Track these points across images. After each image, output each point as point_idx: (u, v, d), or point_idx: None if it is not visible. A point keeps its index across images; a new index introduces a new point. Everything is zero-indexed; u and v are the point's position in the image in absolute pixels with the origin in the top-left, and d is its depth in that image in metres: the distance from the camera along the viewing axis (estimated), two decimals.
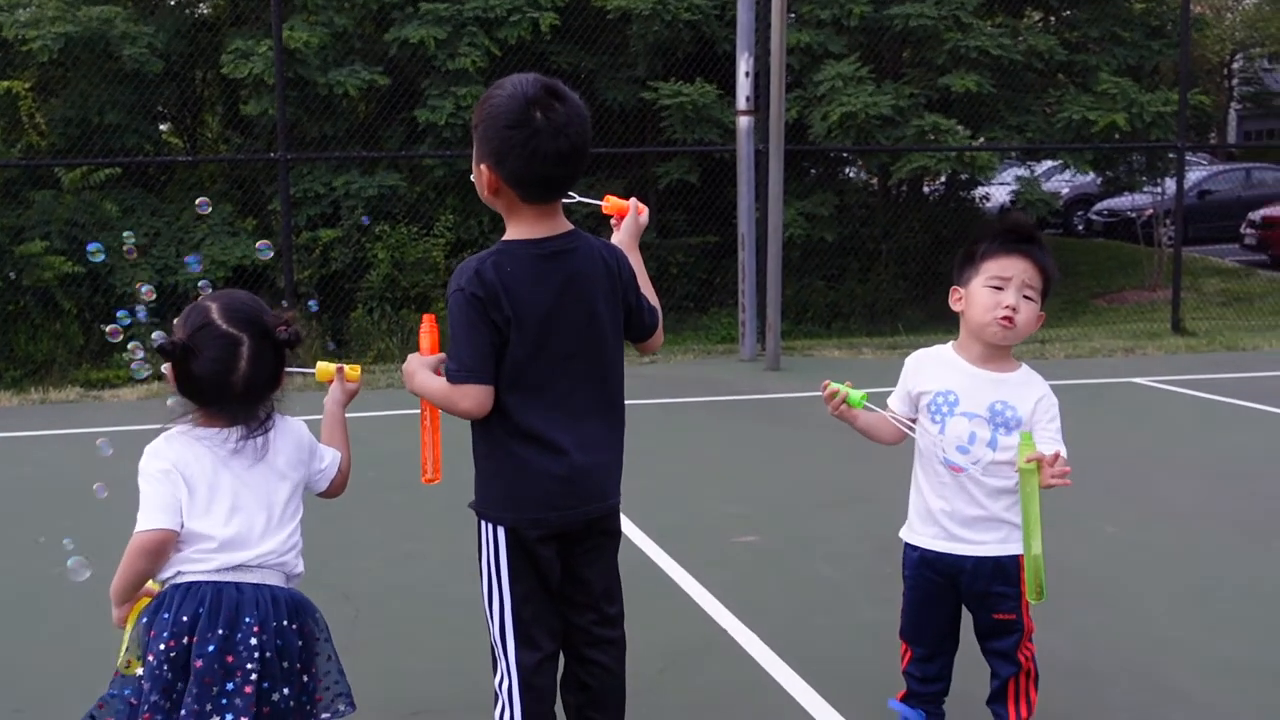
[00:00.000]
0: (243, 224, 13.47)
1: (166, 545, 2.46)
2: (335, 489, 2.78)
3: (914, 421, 3.28)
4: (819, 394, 3.27)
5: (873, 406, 3.23)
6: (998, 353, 3.22)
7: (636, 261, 2.97)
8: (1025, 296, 3.15)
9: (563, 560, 2.85)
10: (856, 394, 3.20)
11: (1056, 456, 3.05)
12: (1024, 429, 3.14)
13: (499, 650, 2.82)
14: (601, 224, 3.13)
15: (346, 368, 2.90)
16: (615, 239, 3.02)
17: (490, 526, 2.81)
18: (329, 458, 2.75)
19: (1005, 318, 3.13)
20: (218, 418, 2.55)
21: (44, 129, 13.23)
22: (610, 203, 3.11)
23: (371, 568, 5.15)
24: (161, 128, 15.01)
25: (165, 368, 2.54)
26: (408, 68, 13.63)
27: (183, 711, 2.37)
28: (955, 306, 3.28)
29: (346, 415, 2.88)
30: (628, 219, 3.07)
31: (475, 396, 2.70)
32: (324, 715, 2.58)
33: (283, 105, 11.41)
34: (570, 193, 2.86)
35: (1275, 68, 34.85)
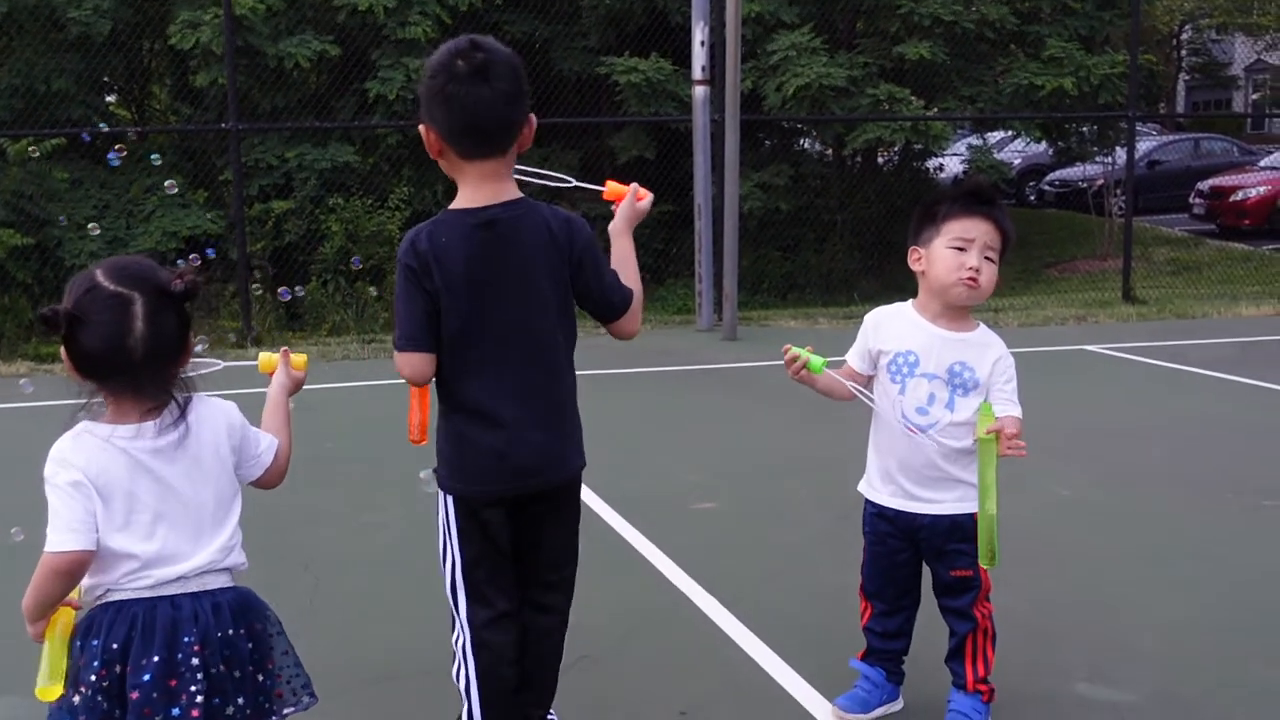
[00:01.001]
0: (193, 195, 13.30)
1: (80, 566, 2.22)
2: (271, 478, 2.53)
3: (871, 379, 3.31)
4: (776, 363, 3.29)
5: (833, 373, 3.25)
6: (957, 311, 3.24)
7: (624, 245, 2.95)
8: (987, 258, 3.18)
9: (514, 524, 2.87)
10: (817, 359, 3.21)
11: (1017, 427, 3.09)
12: (980, 391, 3.18)
13: (453, 608, 2.87)
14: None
15: (292, 355, 2.72)
16: (612, 224, 3.01)
17: (441, 493, 2.85)
18: (265, 443, 2.50)
19: (970, 279, 3.16)
20: (128, 403, 2.29)
21: None
22: (610, 188, 3.07)
23: (331, 537, 5.13)
24: (108, 99, 14.75)
25: (62, 352, 2.26)
26: (358, 37, 13.47)
27: None
28: (915, 266, 3.29)
29: (291, 404, 2.68)
30: (624, 203, 3.02)
31: (413, 364, 2.75)
32: (287, 710, 2.47)
33: (233, 73, 11.26)
34: (569, 178, 2.85)
35: (1223, 39, 35.24)
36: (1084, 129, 16.62)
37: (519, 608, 2.93)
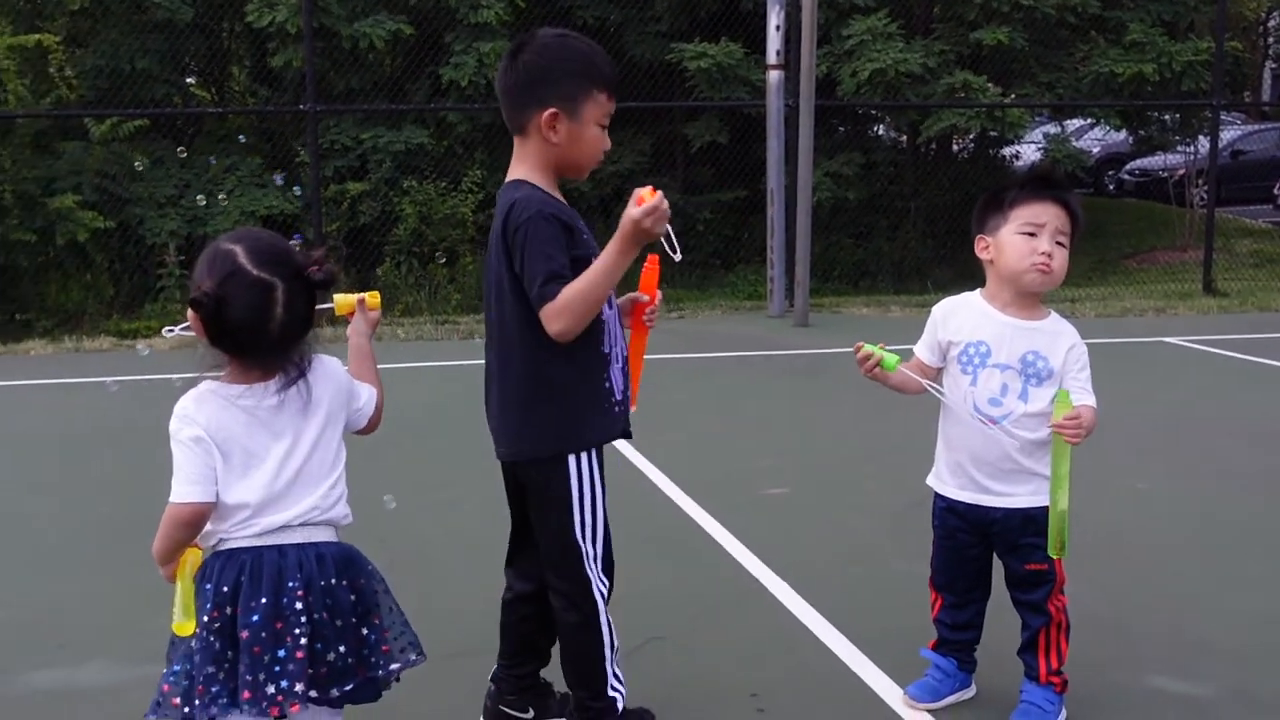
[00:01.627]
0: (270, 176, 13.49)
1: (202, 517, 2.36)
2: (372, 425, 2.65)
3: (941, 371, 3.29)
4: (848, 350, 3.28)
5: (907, 371, 3.21)
6: (1028, 299, 3.20)
7: (612, 246, 2.76)
8: (1058, 243, 3.14)
9: (520, 497, 3.09)
10: (891, 358, 3.17)
11: (1092, 416, 3.05)
12: (1055, 381, 3.14)
13: None
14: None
15: (366, 296, 2.78)
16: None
17: None
18: (365, 394, 2.62)
19: (1043, 265, 3.12)
20: (251, 370, 2.41)
21: (74, 82, 13.23)
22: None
23: (407, 513, 5.18)
24: (188, 80, 15.00)
25: (190, 318, 2.35)
26: (432, 19, 13.56)
27: (237, 683, 2.33)
28: (983, 255, 3.24)
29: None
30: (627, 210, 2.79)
31: None
32: (394, 665, 2.53)
33: (310, 54, 11.40)
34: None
35: None
36: (1165, 117, 16.29)
37: (535, 590, 3.11)
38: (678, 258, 2.88)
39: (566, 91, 2.83)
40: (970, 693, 3.44)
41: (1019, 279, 3.16)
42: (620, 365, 2.98)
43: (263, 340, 2.36)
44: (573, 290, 2.74)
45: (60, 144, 12.54)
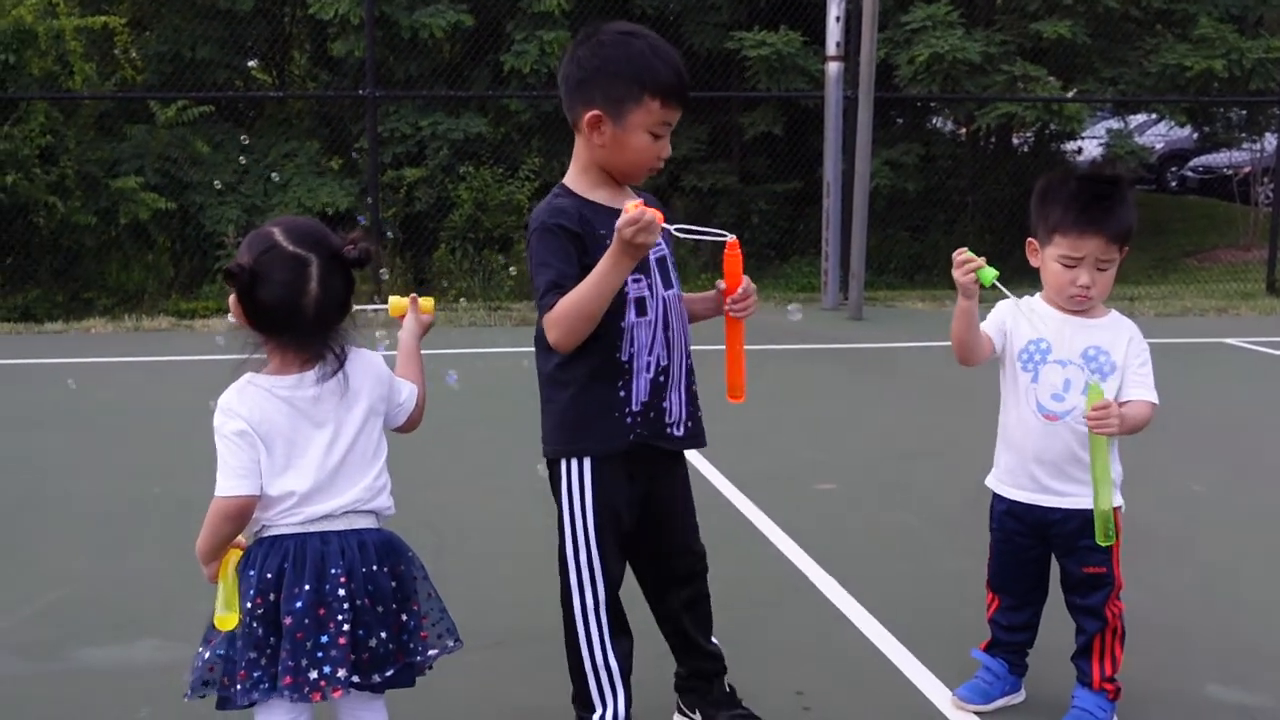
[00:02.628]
0: (328, 163, 13.60)
1: (247, 510, 2.40)
2: (412, 423, 2.66)
3: (994, 354, 3.24)
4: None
5: (1002, 287, 3.03)
6: None
7: (605, 259, 2.69)
8: (1100, 268, 3.08)
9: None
10: (989, 271, 3.03)
11: (1148, 411, 3.00)
12: (1117, 376, 3.09)
13: None
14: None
15: (420, 300, 2.81)
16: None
17: None
18: (406, 391, 2.63)
19: (1079, 296, 3.09)
20: (291, 358, 2.43)
21: (139, 64, 13.41)
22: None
23: (454, 501, 5.23)
24: (250, 64, 15.15)
25: (231, 302, 2.39)
26: (493, 8, 13.59)
27: (278, 668, 2.36)
28: (1032, 261, 3.21)
29: (421, 350, 2.78)
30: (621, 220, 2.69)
31: None
32: (432, 652, 2.56)
33: (371, 41, 11.47)
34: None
35: None
36: (1232, 114, 16.00)
37: (649, 594, 3.16)
38: (729, 237, 2.82)
39: (614, 94, 2.74)
40: (1020, 697, 3.40)
41: (1062, 301, 3.14)
42: (652, 375, 2.87)
43: (298, 318, 2.37)
44: (567, 301, 2.69)
45: (124, 127, 12.71)
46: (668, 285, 2.91)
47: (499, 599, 4.11)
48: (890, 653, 3.75)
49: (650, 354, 2.86)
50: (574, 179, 2.88)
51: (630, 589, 3.06)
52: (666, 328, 2.89)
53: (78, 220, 11.57)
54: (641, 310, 2.84)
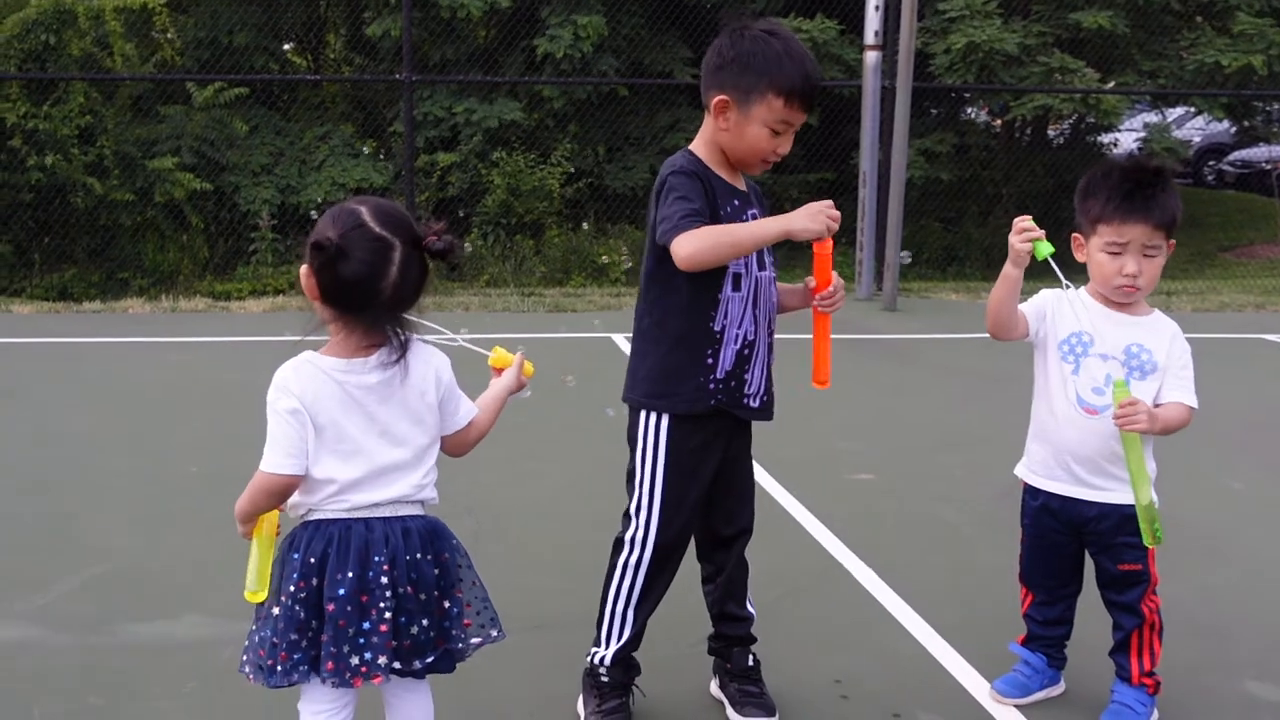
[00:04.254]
0: (362, 146, 13.62)
1: (290, 488, 2.40)
2: (457, 445, 2.62)
3: (1028, 337, 3.24)
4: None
5: (1055, 265, 3.01)
6: None
7: (771, 221, 2.94)
8: (1146, 255, 3.06)
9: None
10: (1046, 245, 3.01)
11: (1182, 415, 3.00)
12: (1159, 375, 3.08)
13: None
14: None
15: (525, 363, 2.79)
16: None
17: None
18: (465, 408, 2.60)
19: (1128, 286, 3.07)
20: (355, 341, 2.41)
21: (178, 44, 13.46)
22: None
23: (493, 484, 5.24)
24: (285, 47, 15.19)
25: (303, 273, 2.38)
26: None
27: (319, 651, 2.38)
28: (1078, 256, 3.19)
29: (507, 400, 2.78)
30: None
31: None
32: (474, 640, 2.57)
33: (408, 24, 11.48)
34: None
35: None
36: (1271, 108, 15.82)
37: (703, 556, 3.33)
38: None
39: (744, 84, 2.89)
40: (1059, 690, 3.39)
41: (1108, 292, 3.13)
42: (739, 346, 3.03)
43: (374, 299, 2.36)
44: (716, 229, 2.85)
45: (161, 108, 12.78)
46: (762, 267, 3.07)
47: (536, 585, 4.13)
48: (928, 644, 3.74)
49: (740, 327, 3.03)
50: (699, 148, 3.04)
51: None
52: (756, 305, 3.06)
53: (115, 198, 11.65)
54: (737, 286, 3.00)
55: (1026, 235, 3.02)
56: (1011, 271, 3.10)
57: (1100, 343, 3.12)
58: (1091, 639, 3.37)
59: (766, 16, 13.76)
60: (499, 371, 2.79)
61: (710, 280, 2.95)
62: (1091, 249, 3.13)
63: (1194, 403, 3.08)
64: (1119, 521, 3.10)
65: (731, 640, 3.30)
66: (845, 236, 12.95)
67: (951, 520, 4.97)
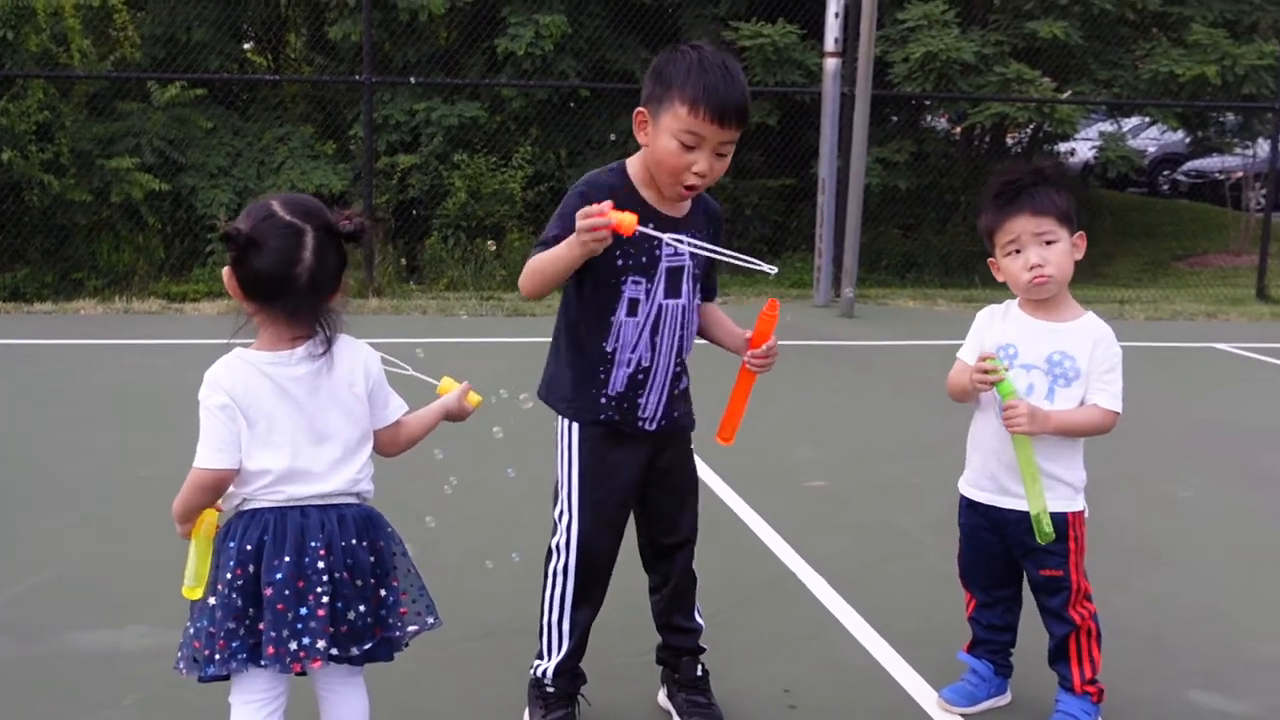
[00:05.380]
0: (322, 147, 13.54)
1: (224, 483, 2.44)
2: (385, 442, 2.63)
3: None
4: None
5: (1015, 402, 3.05)
6: (1054, 302, 3.19)
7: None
8: (1046, 242, 3.11)
9: None
10: (1009, 385, 3.07)
11: (1013, 406, 3.04)
12: (1083, 382, 3.12)
13: None
14: None
15: (470, 394, 2.80)
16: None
17: None
18: (394, 404, 2.62)
19: (1038, 279, 3.11)
20: (280, 329, 2.45)
21: (137, 41, 13.32)
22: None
23: (445, 491, 5.21)
24: (245, 46, 15.08)
25: (225, 274, 2.44)
26: None
27: (258, 639, 2.41)
28: (998, 278, 3.27)
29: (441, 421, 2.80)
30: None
31: None
32: (411, 628, 2.60)
33: (368, 25, 11.43)
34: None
35: None
36: (1225, 119, 16.05)
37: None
38: (770, 270, 2.98)
39: (656, 94, 2.86)
40: (1006, 699, 3.42)
41: (1027, 293, 3.18)
42: (631, 370, 2.99)
43: (290, 286, 2.41)
44: (536, 259, 2.87)
45: (119, 105, 12.64)
46: (673, 294, 2.99)
47: (491, 591, 4.11)
48: (877, 652, 3.76)
49: (633, 352, 2.99)
50: (633, 166, 3.00)
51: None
52: (656, 332, 3.00)
53: (72, 197, 11.52)
54: (632, 311, 2.96)
55: (991, 379, 3.08)
56: (970, 390, 3.18)
57: (1023, 353, 3.17)
58: (1037, 649, 3.39)
59: (727, 23, 13.83)
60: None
61: (604, 303, 2.94)
62: (1000, 262, 3.21)
63: (1114, 407, 3.12)
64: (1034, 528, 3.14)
65: (680, 651, 3.30)
66: (804, 243, 13.03)
67: (905, 528, 4.99)
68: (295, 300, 2.43)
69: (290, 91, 14.52)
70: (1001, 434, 3.13)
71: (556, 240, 2.84)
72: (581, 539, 3.05)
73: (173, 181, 12.30)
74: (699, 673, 3.29)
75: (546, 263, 2.84)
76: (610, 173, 2.99)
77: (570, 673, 3.17)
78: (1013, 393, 3.05)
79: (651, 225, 2.86)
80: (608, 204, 2.72)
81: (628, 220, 2.69)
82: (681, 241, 2.87)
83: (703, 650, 3.31)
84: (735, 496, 5.22)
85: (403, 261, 12.78)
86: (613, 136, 13.44)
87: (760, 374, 3.07)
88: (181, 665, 2.52)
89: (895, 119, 15.65)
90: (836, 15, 10.80)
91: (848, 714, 3.39)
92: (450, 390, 2.80)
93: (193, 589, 2.47)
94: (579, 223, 2.71)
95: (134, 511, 4.86)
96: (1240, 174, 17.06)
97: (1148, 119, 17.88)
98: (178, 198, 12.50)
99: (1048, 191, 3.13)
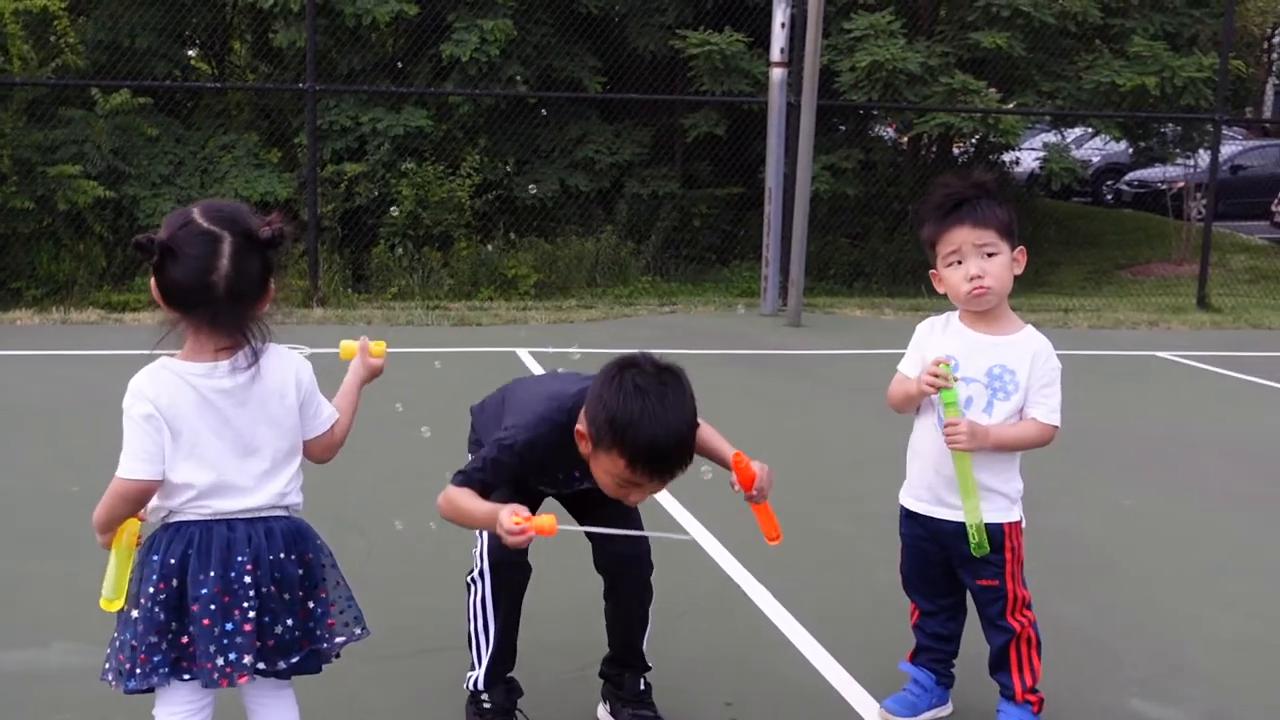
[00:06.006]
0: (267, 155, 13.40)
1: (146, 493, 2.40)
2: (319, 449, 2.59)
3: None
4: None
5: (957, 412, 3.09)
6: (994, 314, 3.20)
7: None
8: (987, 254, 3.11)
9: None
10: (953, 394, 3.09)
11: (955, 423, 3.05)
12: (1021, 396, 3.13)
13: None
14: None
15: (371, 344, 2.79)
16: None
17: None
18: (326, 412, 2.58)
19: (977, 290, 3.12)
20: (204, 338, 2.39)
21: (78, 49, 13.11)
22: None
23: (386, 503, 5.15)
24: (189, 53, 14.89)
25: (151, 284, 2.39)
26: None
27: (179, 653, 2.38)
28: (939, 289, 3.27)
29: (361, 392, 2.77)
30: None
31: None
32: (339, 639, 2.57)
33: (313, 34, 11.32)
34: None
35: None
36: (1166, 129, 16.28)
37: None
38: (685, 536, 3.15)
39: (595, 430, 2.78)
40: (947, 710, 3.41)
41: (967, 304, 3.18)
42: (562, 487, 3.15)
43: (209, 295, 2.35)
44: (460, 502, 2.85)
45: (61, 112, 12.43)
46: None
47: (427, 606, 4.05)
48: (820, 664, 3.75)
49: (564, 489, 3.18)
50: (579, 425, 2.87)
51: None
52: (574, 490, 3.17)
53: (13, 205, 11.31)
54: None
55: (938, 383, 3.09)
56: (915, 394, 3.18)
57: (964, 366, 3.17)
58: (978, 659, 3.38)
59: (674, 31, 13.81)
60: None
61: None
62: (941, 273, 3.21)
63: (1053, 421, 3.14)
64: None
65: (622, 665, 3.27)
66: (753, 251, 13.04)
67: (850, 538, 4.99)
68: (214, 309, 2.37)
69: (235, 99, 14.36)
70: (939, 445, 3.14)
71: (482, 484, 2.86)
72: (492, 542, 3.04)
73: (116, 189, 12.11)
74: (642, 686, 3.26)
75: (466, 515, 2.85)
76: (556, 430, 2.90)
77: (505, 685, 3.13)
78: (955, 404, 3.05)
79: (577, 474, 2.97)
80: (524, 516, 2.68)
81: (548, 524, 2.67)
82: (596, 530, 2.91)
83: (649, 668, 3.27)
84: (681, 508, 5.18)
85: (349, 271, 12.67)
86: (532, 188, 13.39)
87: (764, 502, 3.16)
88: (110, 677, 2.48)
89: (843, 128, 15.74)
90: (783, 25, 10.83)
91: None
92: (352, 353, 2.78)
93: (111, 601, 2.43)
94: (501, 529, 2.68)
95: (62, 527, 4.74)
96: (1182, 184, 17.30)
97: (1090, 130, 18.10)
98: (120, 206, 12.31)
99: (989, 204, 3.13)
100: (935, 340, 3.24)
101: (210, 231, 2.36)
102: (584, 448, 2.84)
